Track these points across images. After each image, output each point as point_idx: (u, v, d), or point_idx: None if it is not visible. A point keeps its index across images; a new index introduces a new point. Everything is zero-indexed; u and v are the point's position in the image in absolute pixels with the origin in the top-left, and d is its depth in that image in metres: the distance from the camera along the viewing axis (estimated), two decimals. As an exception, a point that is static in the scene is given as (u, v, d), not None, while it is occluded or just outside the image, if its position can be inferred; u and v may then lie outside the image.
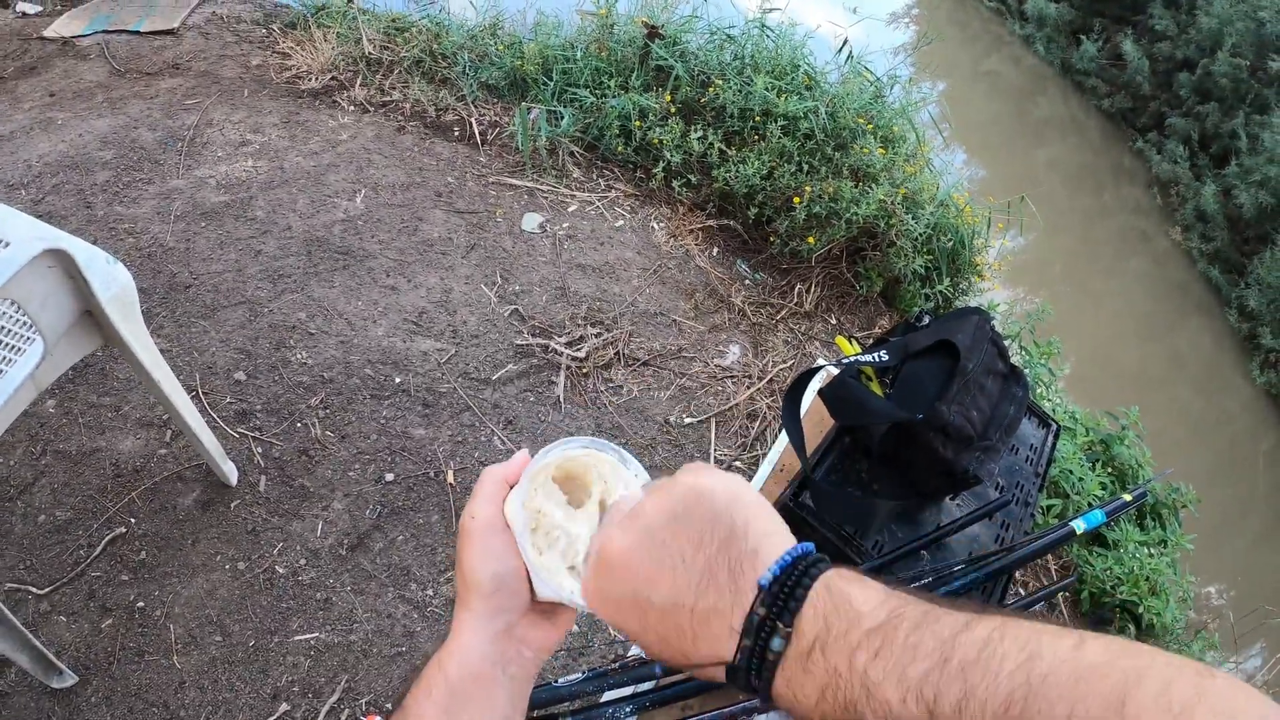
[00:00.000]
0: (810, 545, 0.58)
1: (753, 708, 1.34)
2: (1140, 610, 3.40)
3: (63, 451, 2.88)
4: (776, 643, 0.53)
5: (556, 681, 1.40)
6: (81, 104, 4.39)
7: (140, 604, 2.56)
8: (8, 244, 1.97)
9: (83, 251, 1.92)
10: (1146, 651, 0.46)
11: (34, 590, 2.53)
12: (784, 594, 0.54)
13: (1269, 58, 8.68)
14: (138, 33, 5.07)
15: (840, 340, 2.08)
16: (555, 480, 0.74)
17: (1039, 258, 8.12)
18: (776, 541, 0.59)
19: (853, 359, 1.75)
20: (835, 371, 1.76)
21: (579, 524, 0.72)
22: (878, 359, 1.72)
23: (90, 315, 2.03)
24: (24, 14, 5.16)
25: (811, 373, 1.81)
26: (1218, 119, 8.96)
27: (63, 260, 1.83)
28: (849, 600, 0.54)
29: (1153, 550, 3.67)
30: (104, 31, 5.03)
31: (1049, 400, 4.16)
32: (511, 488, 0.74)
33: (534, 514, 0.72)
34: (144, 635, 2.50)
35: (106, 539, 2.67)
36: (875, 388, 1.75)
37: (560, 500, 0.74)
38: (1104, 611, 3.33)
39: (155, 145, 4.14)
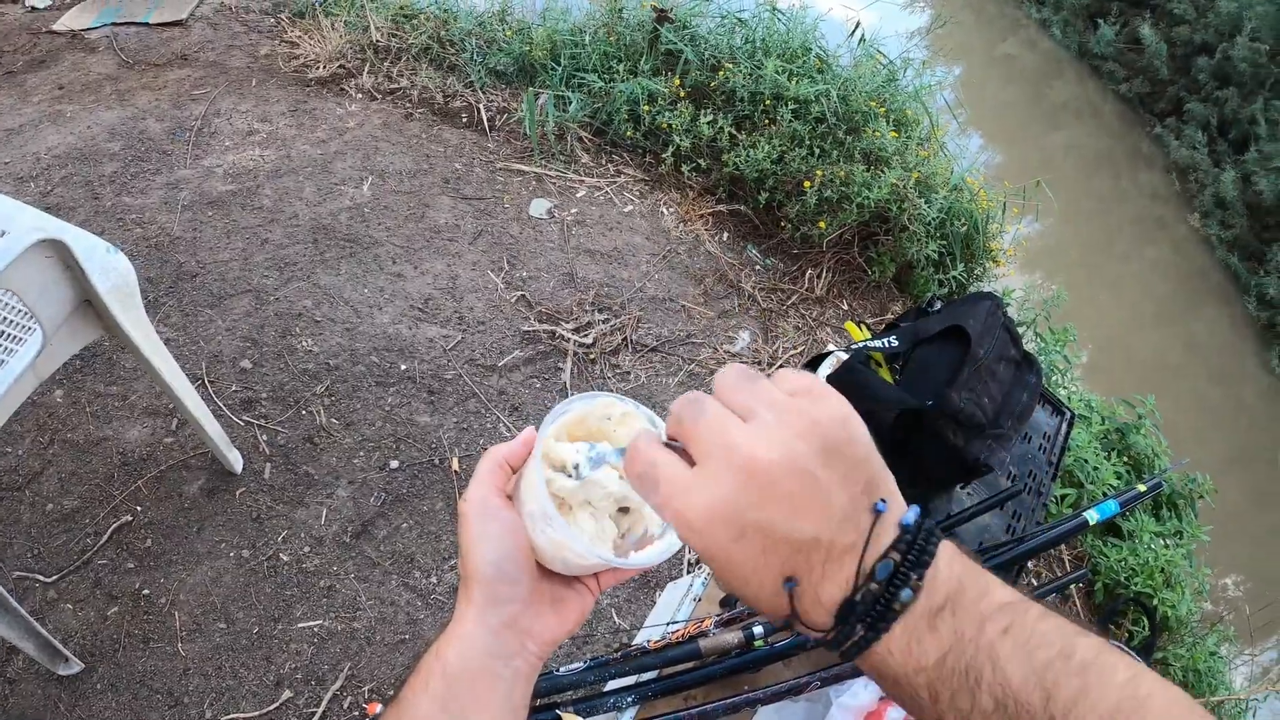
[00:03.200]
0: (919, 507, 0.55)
1: (755, 699, 1.31)
2: (1155, 603, 3.36)
3: (70, 441, 2.89)
4: (906, 594, 0.51)
5: (558, 670, 1.39)
6: (90, 96, 4.40)
7: (146, 591, 2.56)
8: (3, 234, 1.97)
9: (81, 241, 1.92)
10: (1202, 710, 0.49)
11: (41, 578, 2.54)
12: (918, 545, 0.52)
13: (1288, 41, 8.59)
14: (146, 25, 5.07)
15: (849, 326, 2.04)
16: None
17: (1055, 244, 8.05)
18: (900, 496, 0.55)
19: (862, 345, 1.72)
20: (844, 357, 1.73)
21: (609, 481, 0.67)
22: (887, 345, 1.70)
23: (90, 305, 2.03)
24: (33, 8, 5.17)
25: (820, 358, 1.79)
26: (1237, 104, 8.83)
27: (60, 250, 1.83)
28: (980, 571, 0.53)
29: (1168, 541, 3.62)
30: (113, 24, 5.04)
31: (1064, 388, 4.12)
32: (514, 469, 0.71)
33: (557, 476, 0.67)
34: (149, 622, 2.51)
35: (113, 527, 2.68)
36: (885, 374, 1.73)
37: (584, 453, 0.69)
38: (1117, 604, 3.29)
39: (163, 136, 4.15)
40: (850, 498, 0.52)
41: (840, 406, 0.54)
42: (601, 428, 0.70)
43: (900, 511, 0.53)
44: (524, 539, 0.68)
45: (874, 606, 0.51)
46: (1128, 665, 0.49)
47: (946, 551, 0.53)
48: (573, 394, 3.28)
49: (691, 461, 0.54)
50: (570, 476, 0.67)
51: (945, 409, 1.53)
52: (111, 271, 2.02)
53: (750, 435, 0.52)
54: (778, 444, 0.51)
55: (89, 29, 4.99)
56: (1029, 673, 0.49)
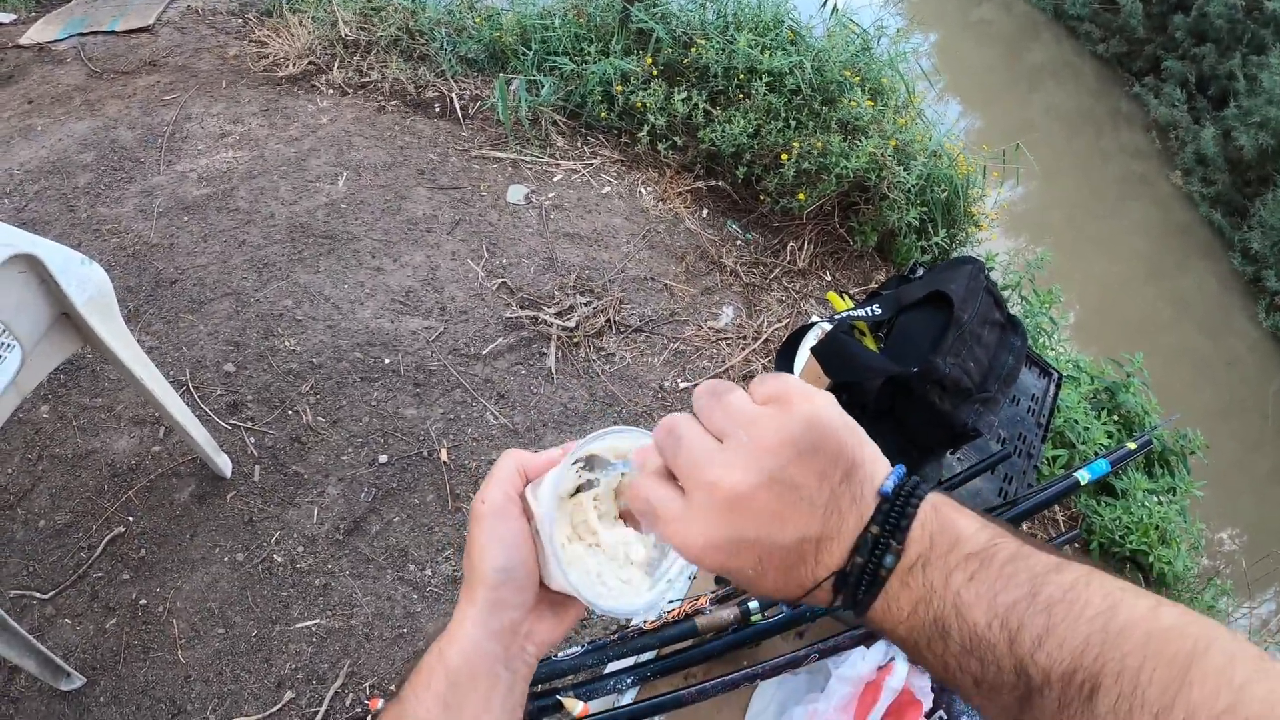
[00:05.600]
0: (903, 467, 0.58)
1: (755, 674, 1.32)
2: (1150, 559, 3.37)
3: (59, 455, 2.89)
4: (889, 560, 0.54)
5: (556, 656, 1.39)
6: (60, 108, 4.37)
7: (143, 601, 2.56)
8: (-26, 252, 1.95)
9: (55, 255, 1.91)
10: (1214, 625, 0.48)
11: (38, 595, 2.54)
12: (896, 511, 0.55)
13: (1265, -4, 8.58)
14: (113, 33, 5.04)
15: (832, 296, 2.03)
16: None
17: (1039, 206, 8.05)
18: (882, 465, 0.58)
19: (845, 314, 1.71)
20: (828, 328, 1.72)
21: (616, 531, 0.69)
22: (870, 313, 1.69)
23: (68, 318, 2.02)
24: (-2, 22, 5.13)
25: (804, 330, 1.78)
26: (1214, 61, 8.84)
27: (33, 265, 1.82)
28: (953, 523, 0.55)
29: (1161, 498, 3.63)
30: (80, 34, 5.00)
31: (1052, 349, 4.11)
32: (528, 481, 0.72)
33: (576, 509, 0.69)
34: (148, 632, 2.51)
35: (106, 539, 2.68)
36: (870, 343, 1.72)
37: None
38: (1113, 562, 3.30)
39: (135, 144, 4.12)
40: (830, 491, 0.55)
41: (808, 408, 0.57)
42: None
43: (879, 481, 0.57)
44: (532, 549, 0.69)
45: (862, 576, 0.55)
46: (1104, 595, 0.50)
47: (926, 509, 0.55)
48: (558, 378, 3.29)
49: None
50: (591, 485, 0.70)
51: (931, 375, 1.53)
52: (87, 283, 2.01)
53: (726, 463, 0.56)
54: (753, 467, 0.55)
55: (56, 40, 4.95)
56: (993, 616, 0.50)
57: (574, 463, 0.69)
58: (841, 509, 0.55)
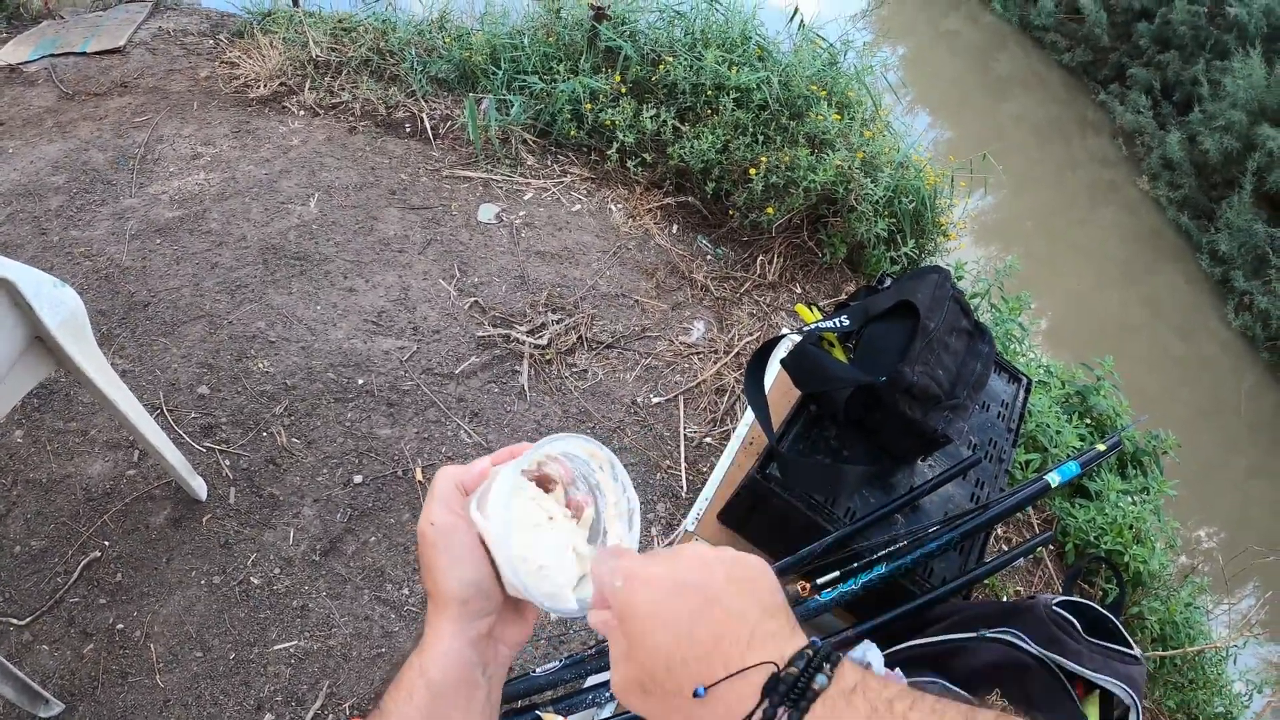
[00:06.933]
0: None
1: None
2: (1125, 559, 3.41)
3: (33, 480, 2.88)
4: (820, 679, 0.56)
5: (535, 671, 1.41)
6: (31, 131, 4.36)
7: (120, 626, 2.56)
8: (-55, 278, 1.96)
9: (26, 278, 1.91)
10: None
11: (14, 622, 2.53)
12: (826, 649, 0.58)
13: (1226, 3, 8.68)
14: (85, 54, 5.03)
15: (800, 308, 2.06)
16: (531, 478, 0.75)
17: (1009, 215, 8.12)
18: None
19: (814, 326, 1.74)
20: (798, 340, 1.75)
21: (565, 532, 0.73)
22: (839, 324, 1.71)
23: (41, 341, 2.02)
24: (-33, 45, 5.11)
25: (774, 343, 1.81)
26: (1179, 67, 8.95)
27: (6, 288, 1.82)
28: (874, 674, 0.59)
29: (1135, 499, 3.67)
30: (51, 55, 4.99)
31: (1023, 355, 4.16)
32: (468, 493, 0.74)
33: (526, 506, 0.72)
34: (126, 657, 2.51)
35: (82, 564, 2.67)
36: (839, 353, 1.74)
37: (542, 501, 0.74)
38: (1082, 564, 3.34)
39: (107, 166, 4.12)
40: (771, 602, 0.61)
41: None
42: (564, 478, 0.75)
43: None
44: (487, 556, 0.71)
45: (795, 686, 0.56)
46: None
47: (848, 661, 0.59)
48: (530, 395, 3.32)
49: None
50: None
51: (900, 383, 1.55)
52: (60, 306, 2.00)
53: (694, 553, 0.63)
54: (715, 556, 0.63)
55: (27, 62, 4.93)
56: None
57: (521, 471, 0.71)
58: (780, 624, 0.60)
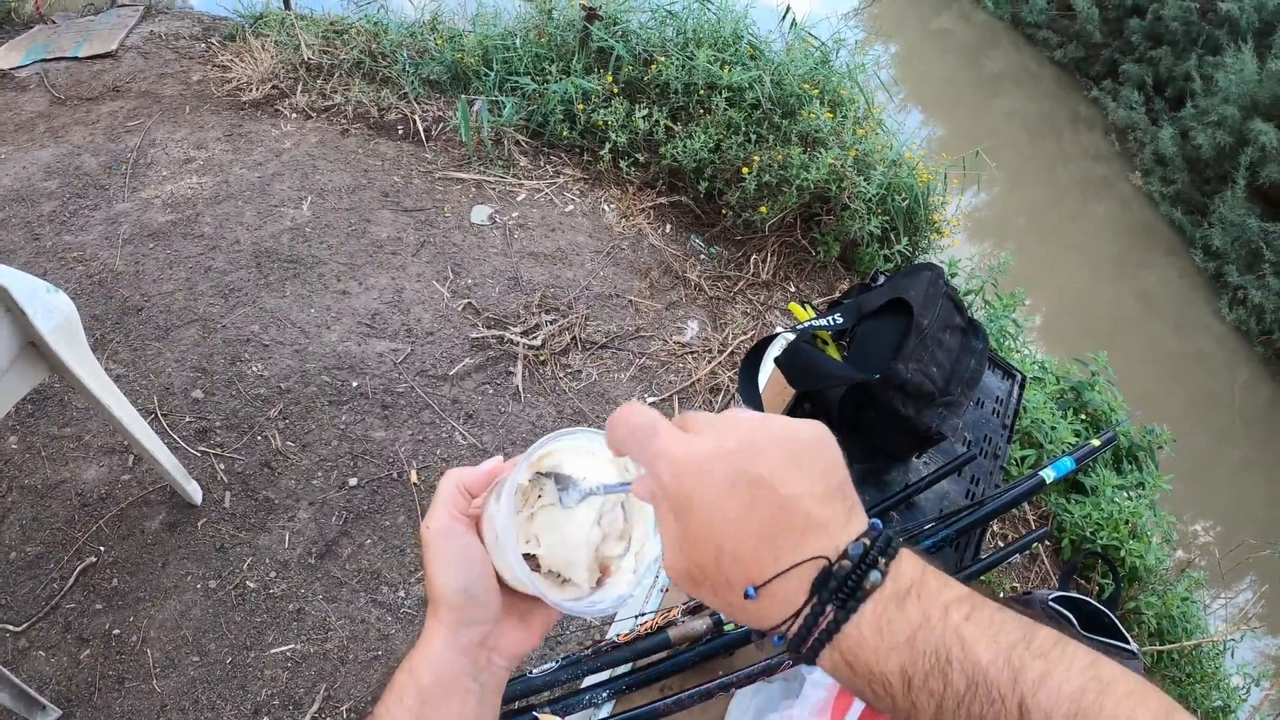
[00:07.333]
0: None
1: (729, 683, 1.34)
2: (1121, 554, 3.41)
3: (28, 486, 2.88)
4: (875, 575, 0.53)
5: (531, 673, 1.40)
6: (24, 136, 4.36)
7: (116, 631, 2.56)
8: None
9: (19, 283, 1.91)
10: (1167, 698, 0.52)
11: (11, 628, 2.53)
12: (885, 537, 0.55)
13: (1218, -2, 8.71)
14: (76, 59, 5.03)
15: (793, 306, 2.05)
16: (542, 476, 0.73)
17: (1003, 211, 8.14)
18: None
19: (807, 324, 1.73)
20: (792, 338, 1.74)
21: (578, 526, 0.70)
22: (832, 322, 1.70)
23: (34, 347, 2.02)
24: (-42, 50, 5.11)
25: (767, 342, 1.80)
26: (1171, 62, 8.96)
27: None
28: (938, 570, 0.56)
29: (1130, 494, 3.67)
30: (43, 60, 4.99)
31: (1017, 352, 4.16)
32: (473, 495, 0.73)
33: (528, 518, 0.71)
34: (122, 662, 2.50)
35: (78, 570, 2.67)
36: (833, 351, 1.74)
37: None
38: (1077, 559, 3.35)
39: (99, 170, 4.12)
40: (826, 485, 0.55)
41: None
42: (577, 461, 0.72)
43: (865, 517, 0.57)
44: (490, 562, 0.70)
45: (845, 583, 0.53)
46: (1086, 653, 0.52)
47: (909, 552, 0.56)
48: (525, 397, 3.31)
49: None
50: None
51: (893, 381, 1.54)
52: (54, 311, 2.00)
53: (746, 418, 0.57)
54: (775, 426, 0.56)
55: (19, 67, 4.94)
56: (996, 653, 0.51)
57: (530, 468, 0.70)
58: (836, 506, 0.55)
